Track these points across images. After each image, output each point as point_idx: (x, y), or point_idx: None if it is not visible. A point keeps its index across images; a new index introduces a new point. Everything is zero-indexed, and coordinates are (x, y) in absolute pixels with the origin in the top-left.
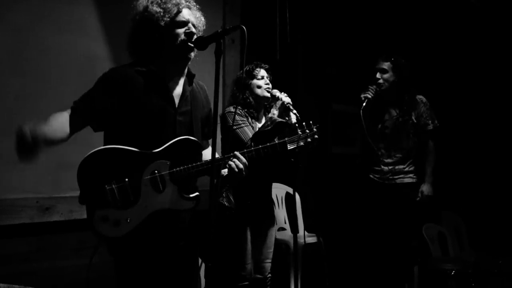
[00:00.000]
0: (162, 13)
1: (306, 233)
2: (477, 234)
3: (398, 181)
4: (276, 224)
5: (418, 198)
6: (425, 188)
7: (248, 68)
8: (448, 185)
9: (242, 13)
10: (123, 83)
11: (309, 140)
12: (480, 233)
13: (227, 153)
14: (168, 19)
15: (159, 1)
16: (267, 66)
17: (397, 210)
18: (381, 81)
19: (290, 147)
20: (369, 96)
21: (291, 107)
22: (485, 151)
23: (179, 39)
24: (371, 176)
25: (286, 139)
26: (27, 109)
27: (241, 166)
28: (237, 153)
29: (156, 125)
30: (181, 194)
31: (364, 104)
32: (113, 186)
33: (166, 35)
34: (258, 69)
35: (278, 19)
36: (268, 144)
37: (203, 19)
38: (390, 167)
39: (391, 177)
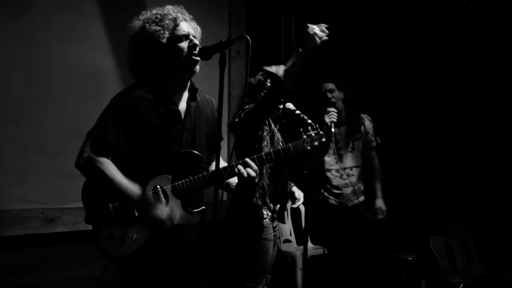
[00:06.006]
0: (161, 31)
1: (311, 245)
2: (486, 247)
3: (360, 200)
4: (282, 235)
5: (380, 216)
6: (382, 204)
7: (260, 78)
8: (456, 197)
9: (247, 26)
10: (134, 110)
11: (315, 143)
12: (489, 246)
13: (242, 158)
14: (169, 35)
15: (156, 20)
16: None
17: (363, 229)
18: (333, 100)
19: (294, 152)
20: (335, 120)
21: (298, 113)
22: (494, 162)
23: (184, 53)
24: (331, 201)
25: (290, 144)
26: (31, 116)
27: (252, 173)
28: (247, 159)
29: (164, 143)
30: (186, 208)
31: (333, 129)
32: (117, 203)
33: (169, 51)
34: (269, 81)
35: (284, 31)
36: (271, 150)
37: (199, 29)
38: (351, 188)
39: (353, 198)
